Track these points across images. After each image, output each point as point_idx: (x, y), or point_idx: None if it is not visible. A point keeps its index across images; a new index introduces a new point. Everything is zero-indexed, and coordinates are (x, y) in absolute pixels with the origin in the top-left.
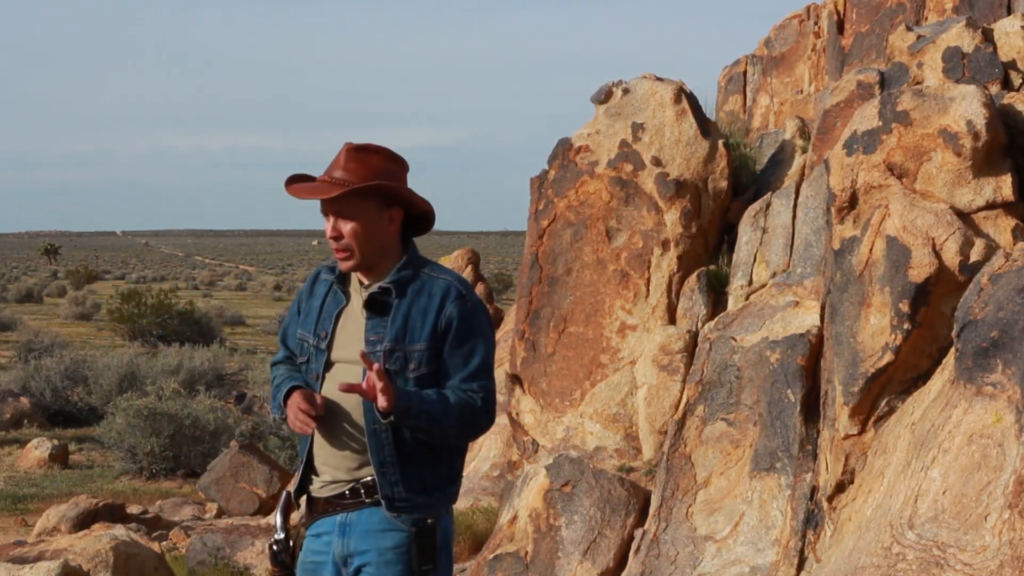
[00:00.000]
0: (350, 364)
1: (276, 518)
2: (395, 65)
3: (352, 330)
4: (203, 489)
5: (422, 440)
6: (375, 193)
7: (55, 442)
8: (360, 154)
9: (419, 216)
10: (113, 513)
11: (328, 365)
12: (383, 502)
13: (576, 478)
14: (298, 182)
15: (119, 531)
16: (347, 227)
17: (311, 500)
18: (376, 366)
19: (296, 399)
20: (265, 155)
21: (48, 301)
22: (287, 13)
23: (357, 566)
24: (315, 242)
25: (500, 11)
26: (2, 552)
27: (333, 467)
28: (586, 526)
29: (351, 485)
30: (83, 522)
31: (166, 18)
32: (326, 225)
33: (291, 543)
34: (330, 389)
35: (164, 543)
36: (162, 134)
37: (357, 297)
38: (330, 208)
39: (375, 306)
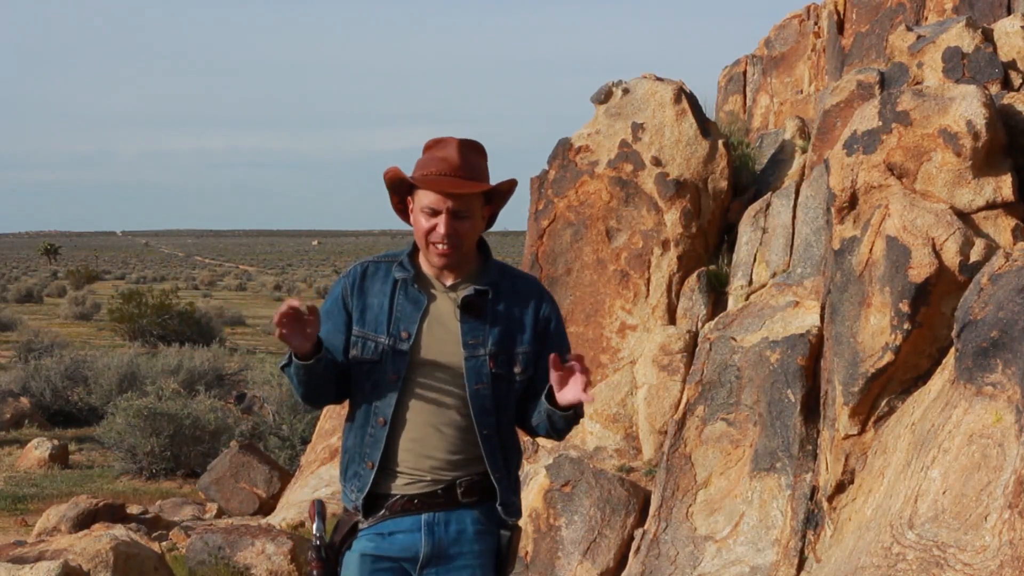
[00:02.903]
0: (438, 367)
1: (315, 523)
2: (395, 65)
3: (440, 332)
4: (203, 489)
5: (512, 442)
6: (484, 192)
7: (55, 442)
8: (473, 150)
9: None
10: (113, 513)
11: (411, 366)
12: (501, 508)
13: (576, 478)
14: (400, 176)
15: (119, 531)
16: (463, 225)
17: (383, 498)
18: (579, 359)
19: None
20: (265, 155)
21: (48, 301)
22: (288, 13)
23: (448, 567)
24: (315, 242)
25: (500, 11)
26: (2, 552)
27: (420, 466)
28: (586, 526)
29: (445, 484)
30: (83, 522)
31: (166, 18)
32: (429, 223)
33: (334, 546)
34: (418, 392)
35: (164, 543)
36: (162, 134)
37: (444, 298)
38: (453, 205)
39: (471, 308)
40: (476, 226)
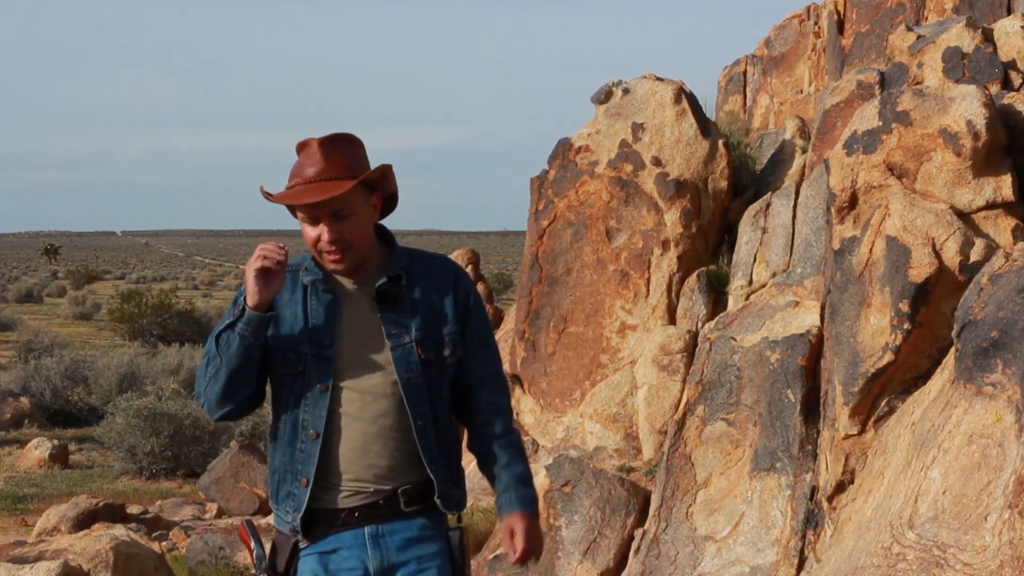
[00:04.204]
0: (365, 366)
1: (253, 548)
2: (395, 65)
3: (361, 330)
4: (203, 489)
5: (450, 433)
6: (362, 183)
7: (55, 442)
8: (336, 146)
9: (388, 198)
10: (113, 513)
11: (338, 372)
12: (439, 501)
13: (576, 478)
14: (267, 197)
15: (119, 531)
16: (346, 226)
17: (321, 514)
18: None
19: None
20: (265, 155)
21: (48, 301)
22: (287, 13)
23: None
24: None
25: (500, 11)
26: (2, 552)
27: (362, 476)
28: (586, 526)
29: (386, 494)
30: (83, 522)
31: (166, 18)
32: (314, 231)
33: (277, 566)
34: (348, 398)
35: (164, 543)
36: (162, 134)
37: (357, 295)
38: (327, 210)
39: (387, 298)
40: (363, 220)
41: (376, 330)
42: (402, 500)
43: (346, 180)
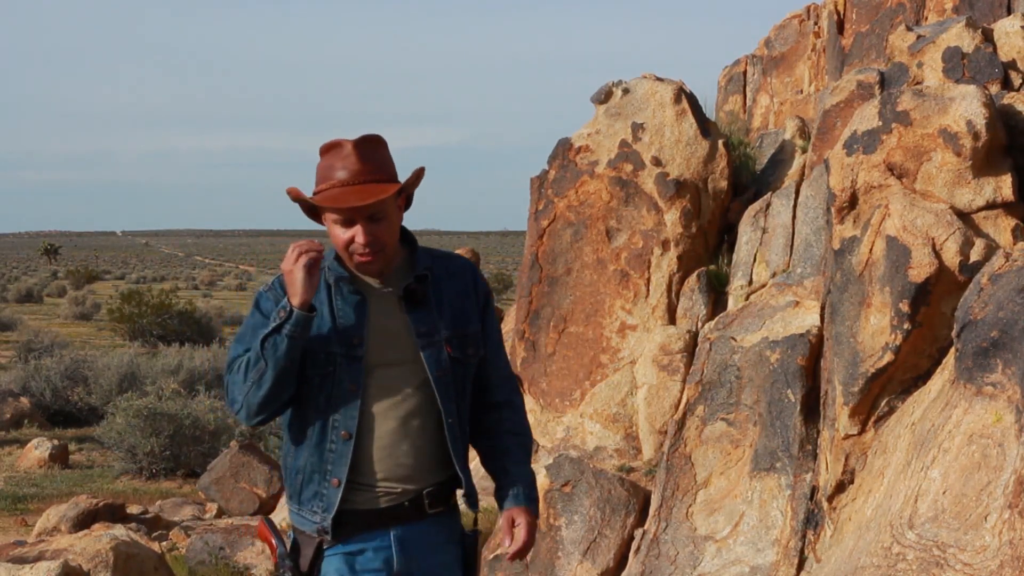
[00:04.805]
0: (394, 366)
1: (276, 545)
2: (395, 65)
3: (388, 330)
4: (203, 489)
5: (468, 431)
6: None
7: (55, 442)
8: (370, 146)
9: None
10: (113, 513)
11: (368, 372)
12: (466, 499)
13: (576, 478)
14: (302, 198)
15: (119, 531)
16: (380, 228)
17: (351, 514)
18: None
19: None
20: (265, 155)
21: (48, 301)
22: (287, 13)
23: None
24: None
25: (500, 11)
26: (2, 552)
27: (392, 476)
28: (586, 526)
29: (412, 495)
30: (83, 522)
31: (167, 18)
32: (346, 233)
33: (300, 566)
34: (377, 396)
35: (164, 543)
36: (162, 134)
37: (383, 295)
38: (365, 212)
39: (414, 297)
40: (394, 222)
41: (403, 329)
42: (427, 502)
43: (385, 183)
